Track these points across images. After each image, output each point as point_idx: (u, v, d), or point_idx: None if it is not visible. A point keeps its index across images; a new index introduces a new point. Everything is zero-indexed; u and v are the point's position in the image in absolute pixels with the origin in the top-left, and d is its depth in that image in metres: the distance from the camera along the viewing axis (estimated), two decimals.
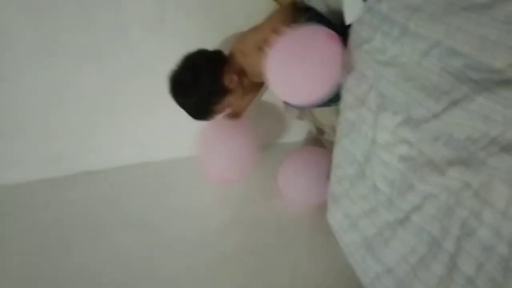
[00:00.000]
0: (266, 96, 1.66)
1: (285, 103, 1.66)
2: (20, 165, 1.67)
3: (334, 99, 1.22)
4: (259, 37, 1.29)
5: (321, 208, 1.34)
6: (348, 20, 1.14)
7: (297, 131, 1.79)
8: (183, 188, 1.64)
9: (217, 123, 1.47)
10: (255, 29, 1.34)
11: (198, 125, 1.48)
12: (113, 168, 1.72)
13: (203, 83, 1.31)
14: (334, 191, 1.28)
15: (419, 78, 0.91)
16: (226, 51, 1.41)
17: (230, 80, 1.35)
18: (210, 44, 1.45)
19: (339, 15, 1.20)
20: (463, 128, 0.80)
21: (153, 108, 1.63)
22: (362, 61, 1.09)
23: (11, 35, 1.43)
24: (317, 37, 1.10)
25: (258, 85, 1.50)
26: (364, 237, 1.13)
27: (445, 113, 0.83)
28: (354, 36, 1.14)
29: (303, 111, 1.55)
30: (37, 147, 1.65)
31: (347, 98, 1.16)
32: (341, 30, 1.14)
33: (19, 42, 1.45)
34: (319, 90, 1.12)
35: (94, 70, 1.53)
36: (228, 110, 1.44)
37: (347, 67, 1.12)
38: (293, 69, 1.09)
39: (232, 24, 1.48)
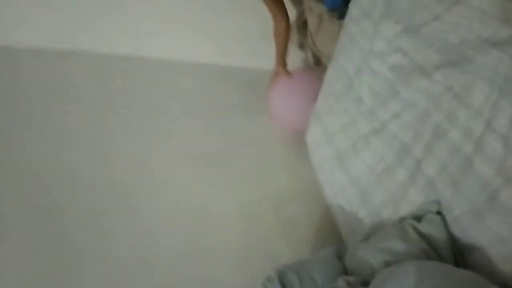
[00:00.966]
0: None
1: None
2: (15, 30, 1.64)
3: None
4: None
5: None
6: None
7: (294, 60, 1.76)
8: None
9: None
10: None
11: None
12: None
13: None
14: (318, 108, 1.28)
15: None
16: None
17: None
18: None
19: None
20: (459, 30, 0.80)
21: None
22: None
23: None
24: None
25: None
26: (337, 151, 1.14)
27: (447, 12, 0.82)
28: None
29: (304, 37, 1.54)
30: (33, 14, 1.62)
31: (353, 11, 1.15)
32: None
33: None
34: None
35: None
36: None
37: None
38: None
39: None
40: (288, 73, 1.51)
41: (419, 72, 0.88)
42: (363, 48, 1.07)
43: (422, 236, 0.78)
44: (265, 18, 1.47)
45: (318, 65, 1.58)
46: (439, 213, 0.80)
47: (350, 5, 1.16)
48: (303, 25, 1.55)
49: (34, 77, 1.57)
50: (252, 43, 1.69)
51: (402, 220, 0.87)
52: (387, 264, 0.75)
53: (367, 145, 1.02)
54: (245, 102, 1.64)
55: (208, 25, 1.71)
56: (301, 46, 1.60)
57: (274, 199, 1.29)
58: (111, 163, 1.33)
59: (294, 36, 1.60)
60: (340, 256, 0.88)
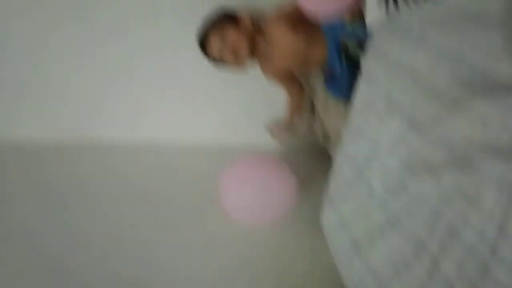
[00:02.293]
0: None
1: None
2: (30, 126, 1.71)
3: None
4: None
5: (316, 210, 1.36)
6: (368, 20, 1.20)
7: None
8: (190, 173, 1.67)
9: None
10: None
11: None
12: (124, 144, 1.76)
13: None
14: (331, 192, 1.30)
15: (428, 84, 0.94)
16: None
17: (245, 18, 1.42)
18: None
19: None
20: (462, 132, 0.83)
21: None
22: (376, 67, 1.13)
23: None
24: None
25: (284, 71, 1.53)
26: (353, 239, 1.14)
27: (447, 116, 0.86)
28: (372, 45, 1.19)
29: (312, 114, 1.59)
30: (47, 110, 1.70)
31: (357, 102, 1.20)
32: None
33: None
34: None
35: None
36: (222, 47, 1.42)
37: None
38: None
39: None
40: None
41: (427, 170, 0.91)
42: (370, 139, 1.11)
43: None
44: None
45: (326, 140, 1.61)
46: None
47: (353, 97, 1.21)
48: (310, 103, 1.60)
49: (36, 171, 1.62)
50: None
51: None
52: None
53: (382, 237, 1.03)
54: None
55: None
56: (310, 124, 1.65)
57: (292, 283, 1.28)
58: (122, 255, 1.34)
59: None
60: None
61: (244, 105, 1.71)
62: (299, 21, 1.35)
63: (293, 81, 1.55)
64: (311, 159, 1.76)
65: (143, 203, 1.53)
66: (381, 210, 1.04)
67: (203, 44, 1.40)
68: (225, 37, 1.36)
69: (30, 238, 1.37)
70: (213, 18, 1.43)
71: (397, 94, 1.03)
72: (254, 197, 1.32)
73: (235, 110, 1.71)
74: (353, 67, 1.34)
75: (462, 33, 0.87)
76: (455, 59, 0.88)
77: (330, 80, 1.39)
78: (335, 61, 1.37)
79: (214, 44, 1.37)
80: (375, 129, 1.10)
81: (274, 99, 1.66)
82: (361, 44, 1.29)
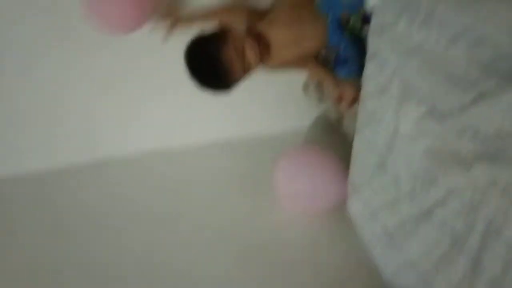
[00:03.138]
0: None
1: (305, 88, 1.63)
2: (25, 154, 1.69)
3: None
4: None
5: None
6: (370, 1, 1.09)
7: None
8: (199, 178, 1.63)
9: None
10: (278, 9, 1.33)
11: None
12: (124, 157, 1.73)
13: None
14: (354, 180, 1.25)
15: (445, 67, 0.86)
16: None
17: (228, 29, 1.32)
18: None
19: None
20: (491, 122, 0.76)
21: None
22: (385, 46, 1.04)
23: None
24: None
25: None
26: (385, 229, 1.11)
27: (473, 106, 0.78)
28: (376, 20, 1.08)
29: (322, 94, 1.51)
30: (45, 134, 1.66)
31: (368, 85, 1.12)
32: None
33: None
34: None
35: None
36: (241, 63, 1.30)
37: None
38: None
39: None
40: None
41: (456, 161, 0.84)
42: (389, 127, 1.04)
43: None
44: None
45: (340, 120, 1.54)
46: None
47: (363, 79, 1.13)
48: (318, 84, 1.52)
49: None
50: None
51: None
52: None
53: (417, 229, 0.99)
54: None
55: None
56: (321, 100, 1.57)
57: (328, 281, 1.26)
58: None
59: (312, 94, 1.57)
60: None
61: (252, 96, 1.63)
62: (290, 11, 1.25)
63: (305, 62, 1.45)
64: (325, 137, 1.71)
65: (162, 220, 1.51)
66: (412, 202, 0.99)
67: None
68: (234, 46, 1.26)
69: (38, 270, 1.35)
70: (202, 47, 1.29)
71: (412, 78, 0.94)
72: (308, 185, 1.34)
73: (242, 102, 1.63)
74: (359, 43, 1.24)
75: (478, 9, 0.77)
76: (473, 39, 0.78)
77: (337, 61, 1.30)
78: (338, 37, 1.27)
79: (232, 58, 1.26)
80: (392, 115, 1.03)
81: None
82: (365, 18, 1.19)
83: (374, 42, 1.09)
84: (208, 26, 1.34)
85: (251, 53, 1.26)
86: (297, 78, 1.59)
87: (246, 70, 1.30)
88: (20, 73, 1.53)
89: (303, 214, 1.42)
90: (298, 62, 1.38)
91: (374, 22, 1.09)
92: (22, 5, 1.40)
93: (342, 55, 1.29)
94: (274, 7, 1.35)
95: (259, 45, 1.27)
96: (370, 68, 1.11)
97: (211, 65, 1.26)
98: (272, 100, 1.64)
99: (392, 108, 1.03)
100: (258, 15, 1.34)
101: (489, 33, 0.75)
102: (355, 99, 1.29)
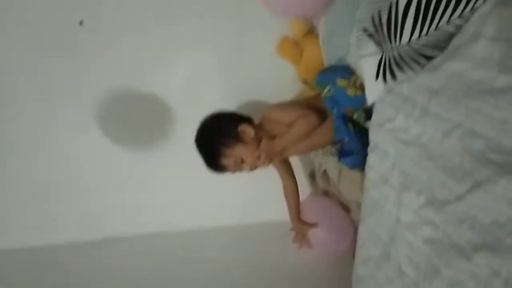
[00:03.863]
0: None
1: (311, 177, 1.67)
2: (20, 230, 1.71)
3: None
4: (292, 116, 1.36)
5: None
6: (369, 100, 1.18)
7: None
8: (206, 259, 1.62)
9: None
10: (290, 107, 1.43)
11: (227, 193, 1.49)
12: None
13: (220, 122, 1.42)
14: (358, 272, 1.23)
15: (441, 158, 0.90)
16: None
17: (245, 129, 1.39)
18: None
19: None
20: (487, 211, 0.77)
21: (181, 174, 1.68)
22: (385, 139, 1.10)
23: None
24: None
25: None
26: None
27: (469, 195, 0.81)
28: (376, 115, 1.16)
29: (328, 185, 1.55)
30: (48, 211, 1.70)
31: (370, 175, 1.16)
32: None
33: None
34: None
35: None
36: (238, 167, 1.40)
37: None
38: None
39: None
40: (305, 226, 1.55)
41: (457, 251, 0.84)
42: (391, 216, 1.06)
43: None
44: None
45: (347, 212, 1.56)
46: None
47: (366, 168, 1.17)
48: (323, 174, 1.56)
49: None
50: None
51: None
52: None
53: None
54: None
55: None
56: (326, 193, 1.60)
57: None
58: None
59: (317, 185, 1.61)
60: None
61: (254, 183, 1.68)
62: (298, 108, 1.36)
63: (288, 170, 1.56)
64: None
65: None
66: None
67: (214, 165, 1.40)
68: (237, 158, 1.36)
69: None
70: (214, 132, 1.40)
71: (411, 169, 0.98)
72: (327, 232, 1.57)
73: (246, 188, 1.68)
74: (362, 134, 1.31)
75: (468, 105, 0.83)
76: (465, 132, 0.84)
77: (342, 153, 1.36)
78: (343, 132, 1.34)
79: (229, 164, 1.38)
80: (393, 205, 1.05)
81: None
82: (367, 112, 1.27)
83: (375, 134, 1.15)
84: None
85: (247, 165, 1.39)
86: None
87: (240, 170, 1.40)
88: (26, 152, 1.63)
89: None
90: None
91: (374, 117, 1.17)
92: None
93: (347, 147, 1.35)
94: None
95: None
96: (372, 158, 1.16)
97: (211, 153, 1.39)
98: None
99: (393, 198, 1.05)
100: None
101: (478, 127, 0.81)
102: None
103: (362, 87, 1.26)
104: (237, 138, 1.37)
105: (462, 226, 0.83)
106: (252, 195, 1.72)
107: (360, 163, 1.30)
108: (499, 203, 0.75)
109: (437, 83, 0.93)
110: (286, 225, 1.57)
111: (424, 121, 0.95)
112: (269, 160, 1.37)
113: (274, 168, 1.53)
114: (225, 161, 1.37)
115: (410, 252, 0.98)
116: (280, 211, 1.57)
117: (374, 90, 1.14)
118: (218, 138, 1.37)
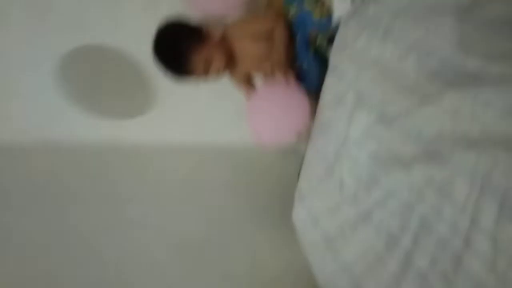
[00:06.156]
0: None
1: None
2: None
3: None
4: (257, 27, 1.34)
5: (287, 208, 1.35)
6: (335, 20, 1.18)
7: None
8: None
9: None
10: (252, 19, 1.39)
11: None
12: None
13: (184, 25, 1.33)
14: (301, 188, 1.28)
15: (397, 78, 0.93)
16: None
17: (212, 31, 1.34)
18: None
19: None
20: (432, 124, 0.83)
21: None
22: (344, 61, 1.12)
23: None
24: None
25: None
26: (325, 235, 1.13)
27: (417, 109, 0.85)
28: (339, 38, 1.17)
29: None
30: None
31: (325, 96, 1.18)
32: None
33: None
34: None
35: None
36: (205, 71, 1.34)
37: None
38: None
39: None
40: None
41: (397, 163, 0.90)
42: (340, 134, 1.09)
43: None
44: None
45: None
46: None
47: (322, 90, 1.19)
48: None
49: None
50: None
51: None
52: None
53: (355, 233, 1.01)
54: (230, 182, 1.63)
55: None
56: None
57: (265, 283, 1.25)
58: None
59: None
60: None
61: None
62: (263, 25, 1.33)
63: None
64: (282, 158, 1.76)
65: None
66: (353, 205, 1.02)
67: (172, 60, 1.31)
68: (205, 55, 1.29)
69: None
70: (177, 33, 1.31)
71: (367, 88, 1.02)
72: (277, 118, 1.36)
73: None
74: (321, 61, 1.32)
75: (428, 25, 0.86)
76: (423, 51, 0.87)
77: (299, 76, 1.37)
78: (303, 57, 1.35)
79: (197, 65, 1.30)
80: (344, 124, 1.08)
81: None
82: (331, 37, 1.27)
83: (336, 56, 1.16)
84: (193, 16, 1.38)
85: (215, 67, 1.33)
86: None
87: (206, 75, 1.35)
88: None
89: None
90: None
91: (336, 40, 1.18)
92: None
93: (304, 71, 1.36)
94: (250, 18, 1.41)
95: (226, 57, 1.34)
96: (329, 80, 1.18)
97: (175, 57, 1.30)
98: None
99: (345, 117, 1.08)
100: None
101: (436, 46, 0.84)
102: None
103: (328, 12, 1.26)
104: (206, 38, 1.32)
105: (406, 140, 0.88)
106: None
107: (314, 89, 1.32)
108: (445, 116, 0.80)
109: (401, 4, 0.95)
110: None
111: (385, 41, 0.97)
112: (275, 70, 1.33)
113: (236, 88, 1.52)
114: (195, 60, 1.29)
115: (353, 165, 1.03)
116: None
117: (340, 10, 1.14)
118: (186, 36, 1.30)
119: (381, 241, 0.93)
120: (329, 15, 1.25)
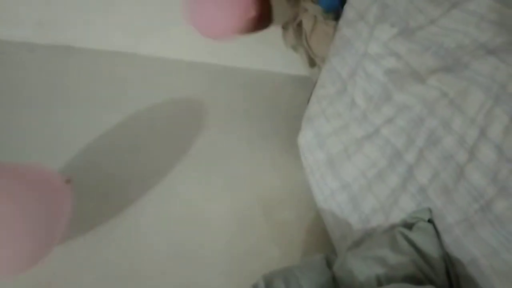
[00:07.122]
0: None
1: (284, 28, 1.64)
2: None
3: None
4: None
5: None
6: None
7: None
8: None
9: None
10: None
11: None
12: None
13: None
14: (310, 111, 1.26)
15: None
16: None
17: None
18: None
19: None
20: (455, 34, 0.78)
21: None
22: None
23: None
24: None
25: None
26: (328, 155, 1.12)
27: (443, 16, 0.80)
28: None
29: (299, 39, 1.52)
30: (22, 8, 1.57)
31: (348, 13, 1.13)
32: None
33: None
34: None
35: None
36: None
37: None
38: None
39: None
40: None
41: (413, 77, 0.86)
42: (358, 51, 1.05)
43: (413, 245, 0.77)
44: None
45: (312, 66, 1.56)
46: (430, 221, 0.79)
47: (345, 7, 1.14)
48: (297, 26, 1.52)
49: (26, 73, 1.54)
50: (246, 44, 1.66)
51: (393, 227, 0.85)
52: (377, 277, 0.73)
53: (359, 150, 1.00)
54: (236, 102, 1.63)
55: None
56: (295, 48, 1.58)
57: (265, 201, 1.27)
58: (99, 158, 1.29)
59: (289, 38, 1.58)
60: (329, 264, 0.86)
61: None
62: None
63: None
64: (293, 89, 1.75)
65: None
66: (361, 124, 1.00)
67: None
68: None
69: None
70: None
71: (390, 1, 0.97)
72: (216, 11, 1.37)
73: None
74: None
75: None
76: None
77: None
78: None
79: None
80: (364, 39, 1.04)
81: None
82: None
83: None
84: None
85: None
86: None
87: None
88: None
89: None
90: None
91: None
92: None
93: None
94: None
95: None
96: None
97: None
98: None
99: (365, 33, 1.04)
100: None
101: None
102: None
103: None
104: None
105: (426, 53, 0.84)
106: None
107: (336, 6, 1.28)
108: (470, 23, 0.76)
109: None
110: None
111: None
112: None
113: None
114: None
115: (367, 83, 1.00)
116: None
117: None
118: None
119: (385, 157, 0.91)
120: None
